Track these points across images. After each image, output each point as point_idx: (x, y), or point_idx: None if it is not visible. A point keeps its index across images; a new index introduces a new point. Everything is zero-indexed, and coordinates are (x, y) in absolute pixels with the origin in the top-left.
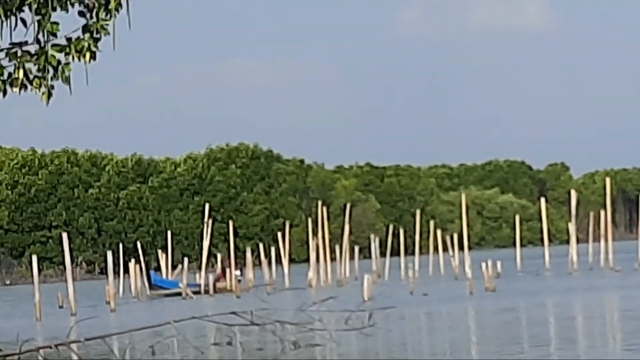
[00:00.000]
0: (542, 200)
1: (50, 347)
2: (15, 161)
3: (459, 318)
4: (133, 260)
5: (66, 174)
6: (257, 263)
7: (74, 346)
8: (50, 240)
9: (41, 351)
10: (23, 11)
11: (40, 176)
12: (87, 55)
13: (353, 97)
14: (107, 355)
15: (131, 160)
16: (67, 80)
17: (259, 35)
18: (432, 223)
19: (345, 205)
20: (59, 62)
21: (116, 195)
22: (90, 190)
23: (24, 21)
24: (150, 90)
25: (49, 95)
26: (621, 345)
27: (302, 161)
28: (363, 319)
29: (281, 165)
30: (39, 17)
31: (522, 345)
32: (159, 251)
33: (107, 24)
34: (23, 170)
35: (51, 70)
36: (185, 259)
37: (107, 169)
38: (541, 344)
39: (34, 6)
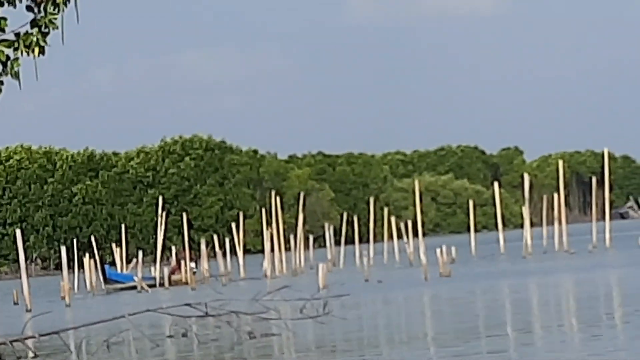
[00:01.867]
0: (496, 184)
1: (5, 344)
2: None
3: (414, 304)
4: (87, 255)
5: (22, 169)
6: (212, 255)
7: (29, 342)
8: (5, 237)
9: None
10: None
11: None
12: (36, 50)
13: (304, 86)
14: (63, 350)
15: (83, 154)
16: (16, 76)
17: (210, 27)
18: (386, 210)
19: (299, 195)
20: (7, 57)
21: (70, 190)
22: (45, 187)
23: None
24: (102, 84)
25: None
26: (577, 326)
27: (255, 151)
28: (318, 307)
29: (234, 157)
30: None
31: (478, 330)
32: (114, 245)
33: (56, 18)
34: None
35: (0, 66)
36: (140, 253)
37: (60, 164)
38: (496, 328)
39: None
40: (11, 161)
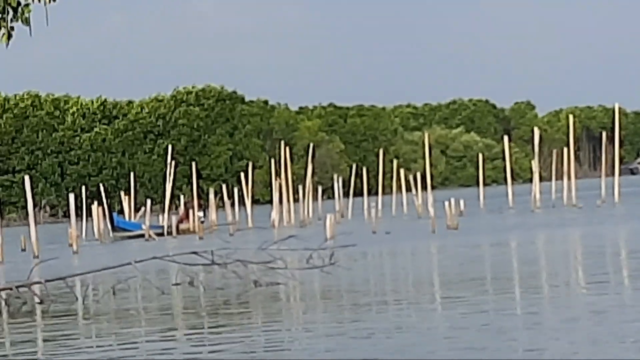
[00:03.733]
0: (506, 138)
1: (11, 289)
2: None
3: (420, 256)
4: (96, 203)
5: (30, 117)
6: (220, 205)
7: (35, 287)
8: (13, 185)
9: (2, 293)
10: None
11: (3, 120)
12: None
13: (316, 37)
14: (68, 296)
15: (95, 102)
16: (26, 22)
17: None
18: (395, 163)
19: (308, 146)
20: (18, 3)
21: (80, 138)
22: (54, 134)
23: None
24: (115, 32)
25: (9, 36)
26: (584, 279)
27: (266, 102)
28: (324, 257)
29: (245, 107)
30: None
31: (484, 282)
32: (122, 194)
33: None
34: None
35: (10, 12)
36: (149, 201)
37: (71, 111)
38: (501, 280)
39: None
40: (18, 109)
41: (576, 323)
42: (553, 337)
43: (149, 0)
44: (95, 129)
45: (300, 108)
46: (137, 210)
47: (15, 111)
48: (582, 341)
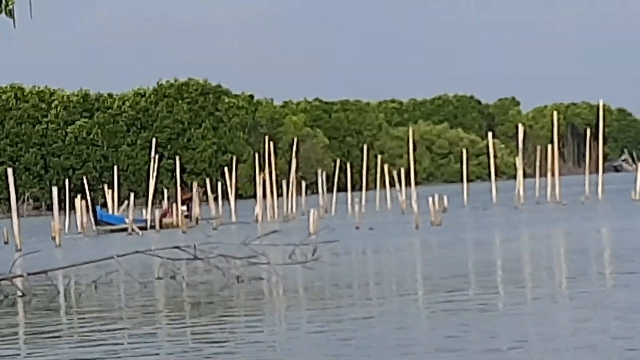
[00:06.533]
0: (490, 135)
1: None
2: None
3: (403, 252)
4: (79, 196)
5: (13, 109)
6: (204, 199)
7: (17, 281)
8: None
9: None
10: None
11: None
12: None
13: (301, 32)
14: (50, 289)
15: (78, 95)
16: (10, 14)
17: None
18: (379, 158)
19: (292, 141)
20: None
21: (63, 130)
22: (37, 127)
23: None
24: (98, 25)
25: None
26: (567, 276)
27: (251, 96)
28: (307, 252)
29: (231, 100)
30: None
31: (467, 279)
32: (106, 187)
33: None
34: None
35: None
36: (132, 195)
37: (54, 104)
38: (484, 277)
39: None
40: (1, 101)
41: (559, 320)
42: (536, 335)
43: None
44: (78, 122)
45: (285, 102)
46: (120, 203)
47: None
48: (564, 338)
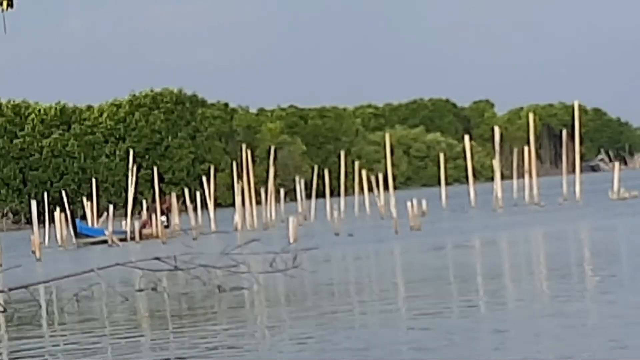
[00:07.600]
0: (466, 137)
1: None
2: None
3: (384, 257)
4: (58, 209)
5: None
6: (183, 209)
7: None
8: None
9: None
10: None
11: None
12: (4, 3)
13: (276, 39)
14: (32, 304)
15: (55, 108)
16: None
17: None
18: (357, 164)
19: (269, 148)
20: None
21: (40, 143)
22: (15, 140)
23: None
24: (72, 36)
25: None
26: (546, 276)
27: (226, 105)
28: (288, 260)
29: (207, 109)
30: None
31: (448, 283)
32: (84, 199)
33: None
34: None
35: None
36: (111, 207)
37: (30, 117)
38: (465, 281)
39: None
40: None
41: (540, 322)
42: (517, 337)
43: (107, 4)
44: (53, 135)
45: (260, 110)
46: (99, 215)
47: None
48: (546, 340)
